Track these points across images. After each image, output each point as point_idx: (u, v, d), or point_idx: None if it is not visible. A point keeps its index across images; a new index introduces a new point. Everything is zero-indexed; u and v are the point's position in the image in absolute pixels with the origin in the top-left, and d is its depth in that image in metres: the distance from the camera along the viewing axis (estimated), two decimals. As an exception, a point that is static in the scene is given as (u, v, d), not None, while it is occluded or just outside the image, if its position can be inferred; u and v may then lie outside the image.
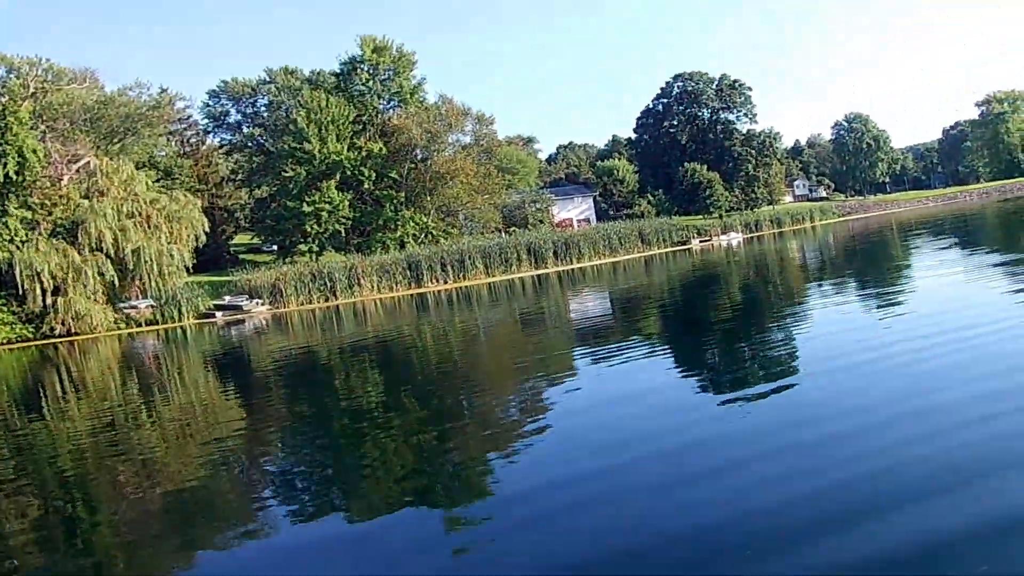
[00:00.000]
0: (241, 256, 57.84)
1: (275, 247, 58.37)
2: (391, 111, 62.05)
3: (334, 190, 52.88)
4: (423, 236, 55.47)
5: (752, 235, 68.01)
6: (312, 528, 6.29)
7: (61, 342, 35.53)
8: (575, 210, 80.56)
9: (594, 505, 5.88)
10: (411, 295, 43.49)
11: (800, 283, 23.35)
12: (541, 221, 64.55)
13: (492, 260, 49.66)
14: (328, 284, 44.52)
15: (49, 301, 36.64)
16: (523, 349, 17.10)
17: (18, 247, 37.09)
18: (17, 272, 35.96)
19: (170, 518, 7.16)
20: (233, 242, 61.37)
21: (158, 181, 50.88)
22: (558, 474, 6.78)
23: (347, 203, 52.95)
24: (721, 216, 73.16)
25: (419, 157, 58.87)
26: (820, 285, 21.69)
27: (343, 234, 53.36)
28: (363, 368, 17.11)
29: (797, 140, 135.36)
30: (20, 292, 36.29)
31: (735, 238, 66.25)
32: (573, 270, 48.91)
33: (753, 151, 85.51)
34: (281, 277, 44.08)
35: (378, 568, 5.21)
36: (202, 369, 21.40)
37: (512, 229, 58.79)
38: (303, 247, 52.12)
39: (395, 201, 55.44)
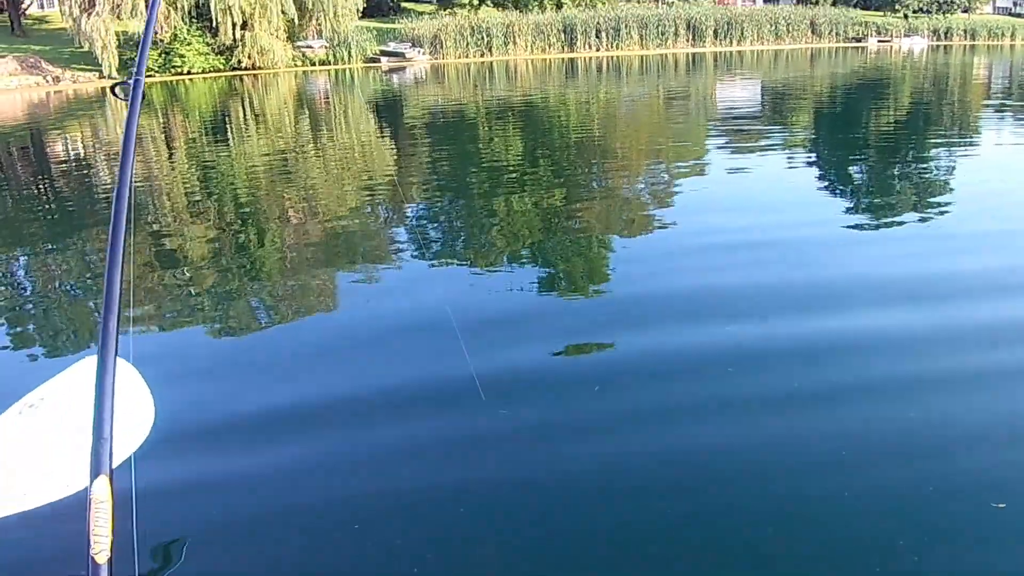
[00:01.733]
0: (403, 4, 57.01)
1: (433, -2, 57.14)
2: None
3: (499, -58, 50.57)
4: (581, -1, 52.88)
5: (939, 43, 58.23)
6: (437, 270, 6.80)
7: (246, 74, 36.96)
8: None
9: (695, 291, 6.00)
10: (563, 59, 42.34)
11: (979, 107, 19.81)
12: (701, -6, 59.85)
13: (648, 32, 47.11)
14: (485, 39, 43.62)
15: (238, 35, 37.77)
16: (661, 131, 16.75)
17: (211, -20, 37.88)
18: (212, 5, 36.96)
19: (321, 247, 7.84)
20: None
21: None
22: (659, 265, 6.94)
23: (513, -42, 50.68)
24: (907, 16, 62.27)
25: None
26: (1002, 113, 18.46)
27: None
28: (506, 128, 17.26)
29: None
30: (213, 25, 37.46)
31: (919, 43, 56.88)
32: (731, 53, 45.72)
33: (957, -55, 72.22)
34: (443, 28, 43.52)
35: (488, 307, 5.64)
36: (364, 111, 22.09)
37: (670, 1, 55.03)
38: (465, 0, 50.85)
39: (559, -40, 52.56)
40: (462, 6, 48.95)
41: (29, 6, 53.65)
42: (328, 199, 10.25)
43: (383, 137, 17.02)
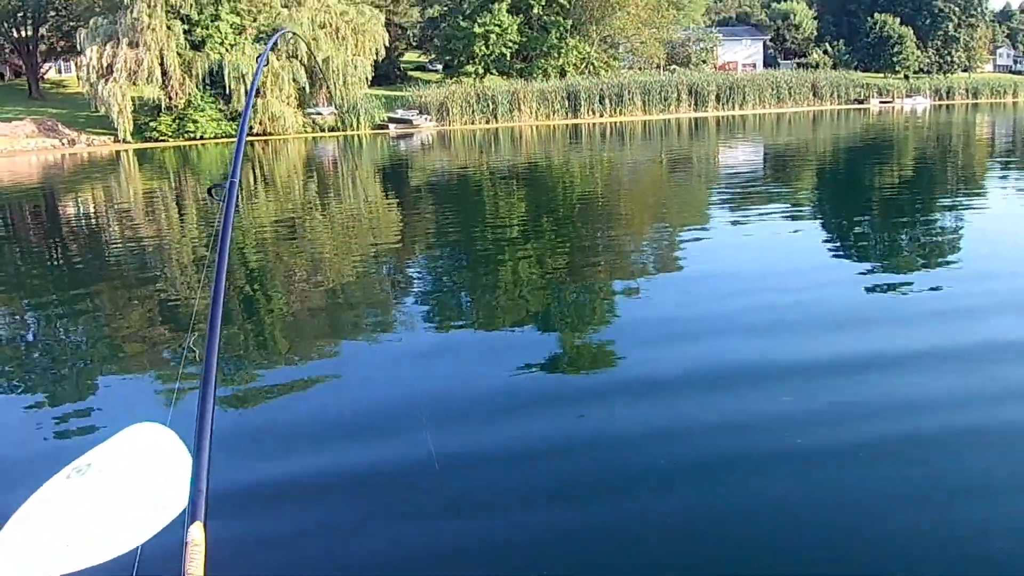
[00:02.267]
0: (410, 73, 58.29)
1: (440, 67, 58.29)
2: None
3: (504, 13, 51.75)
4: (584, 67, 53.81)
5: (941, 103, 58.67)
6: (441, 334, 6.83)
7: (257, 140, 37.64)
8: (742, 53, 74.80)
9: (702, 337, 6.03)
10: (566, 124, 43.08)
11: (984, 166, 19.91)
12: (704, 61, 60.75)
13: (651, 97, 47.98)
14: (490, 106, 44.47)
15: (252, 103, 38.55)
16: (665, 194, 16.97)
17: (227, 50, 38.84)
18: (225, 73, 37.86)
19: (326, 308, 7.91)
20: (403, 59, 61.66)
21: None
22: (669, 313, 7.00)
23: (515, 27, 51.87)
24: (907, 77, 63.07)
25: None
26: (1007, 170, 18.63)
27: (507, 58, 52.55)
28: (511, 190, 17.48)
29: (1008, 2, 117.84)
30: (227, 92, 38.34)
31: (921, 103, 57.43)
32: (734, 117, 46.47)
33: (957, 8, 71.32)
34: (449, 96, 44.42)
35: (493, 371, 5.65)
36: (372, 176, 22.41)
37: (673, 67, 56.05)
38: (469, 68, 51.84)
39: (560, 28, 53.61)
40: (468, 75, 50.04)
41: (48, 71, 55.00)
42: (333, 264, 10.35)
43: (390, 202, 17.26)
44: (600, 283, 8.42)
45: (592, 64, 53.85)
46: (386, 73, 49.52)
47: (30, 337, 7.36)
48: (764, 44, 76.89)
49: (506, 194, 17.06)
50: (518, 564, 3.34)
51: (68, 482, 1.62)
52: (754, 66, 69.79)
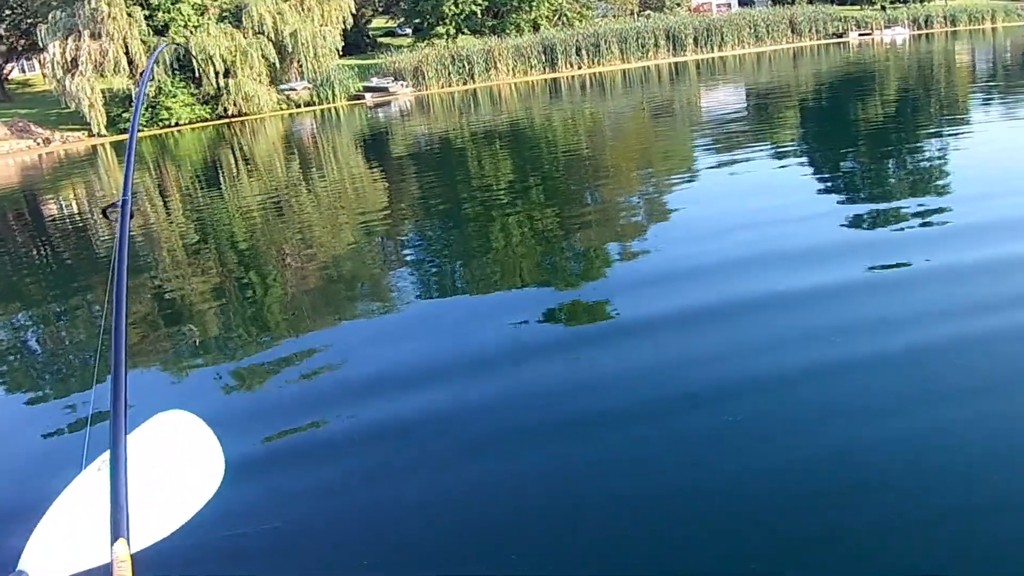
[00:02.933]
0: (379, 40, 57.65)
1: (410, 30, 57.67)
2: None
3: (471, -32, 51.15)
4: (557, 19, 53.28)
5: (920, 32, 58.10)
6: (436, 298, 6.98)
7: (233, 122, 37.37)
8: None
9: (691, 287, 6.18)
10: (545, 80, 42.79)
11: (966, 95, 19.56)
12: (678, 4, 60.08)
13: (628, 45, 47.54)
14: (466, 67, 44.07)
15: (222, 83, 38.24)
16: (649, 142, 17.03)
17: (191, 32, 38.40)
18: (193, 55, 37.45)
19: (319, 284, 8.04)
20: (371, 26, 60.97)
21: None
22: (659, 259, 7.15)
23: (483, -18, 51.31)
24: (884, 8, 61.76)
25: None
26: (988, 99, 18.26)
27: (478, 16, 51.98)
28: (495, 152, 17.52)
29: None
30: (196, 75, 37.99)
31: (900, 34, 56.81)
32: (714, 59, 46.09)
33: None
34: (423, 60, 43.98)
35: (490, 336, 5.78)
36: (353, 149, 22.36)
37: (647, 13, 55.51)
38: (440, 29, 51.22)
39: (529, -21, 53.06)
40: (439, 37, 49.55)
41: (11, 71, 54.27)
42: (323, 239, 10.45)
43: (373, 171, 17.28)
44: (590, 235, 8.55)
45: (565, 15, 53.30)
46: (355, 42, 48.97)
47: (32, 337, 7.49)
48: (738, -18, 75.94)
49: (490, 155, 17.10)
50: (532, 500, 3.52)
51: (99, 474, 1.67)
52: (729, 6, 68.87)
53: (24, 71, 57.77)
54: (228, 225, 12.25)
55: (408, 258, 8.79)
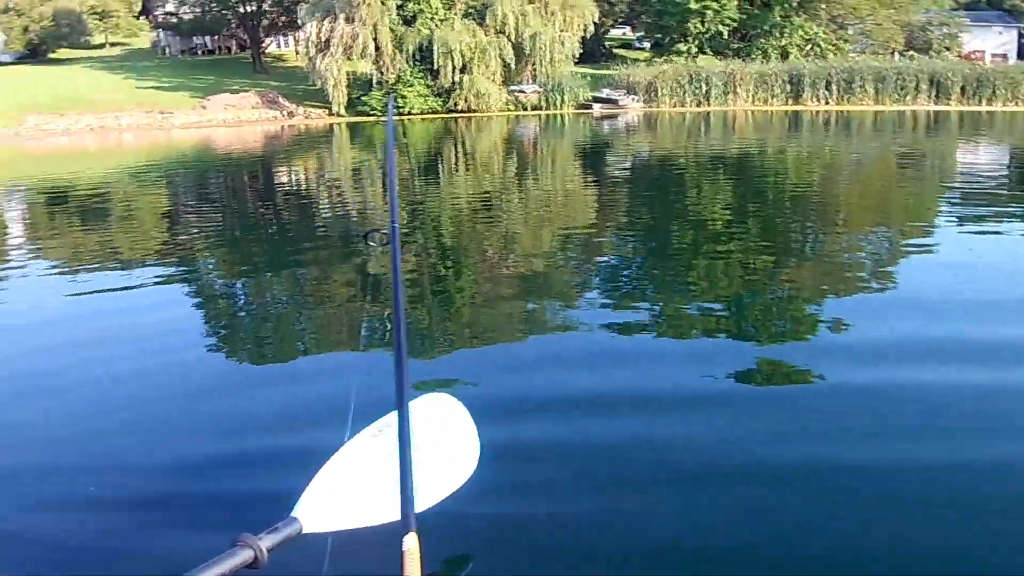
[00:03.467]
0: (615, 51, 57.98)
1: (647, 44, 57.50)
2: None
3: (724, -12, 50.22)
4: (809, 49, 51.18)
5: None
6: (623, 326, 6.81)
7: (461, 117, 39.04)
8: (991, 41, 67.31)
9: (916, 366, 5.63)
10: (786, 111, 41.22)
11: None
12: (947, 48, 55.74)
13: (885, 86, 44.58)
14: (703, 88, 43.23)
15: (457, 78, 40.08)
16: (890, 194, 15.88)
17: (437, 25, 40.51)
18: (435, 49, 39.51)
19: (514, 288, 8.13)
20: (608, 36, 61.39)
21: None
22: (872, 337, 6.55)
23: (735, 3, 50.17)
24: None
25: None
26: None
27: (724, 37, 50.97)
28: (716, 181, 17.05)
29: None
30: (435, 68, 40.03)
31: None
32: (980, 113, 42.30)
33: None
34: (659, 76, 43.74)
35: (667, 378, 5.57)
36: (571, 158, 22.63)
37: (911, 54, 52.07)
38: (681, 47, 50.68)
39: (785, 5, 51.19)
40: (679, 54, 49.09)
41: (268, 45, 59.79)
42: (524, 244, 10.60)
43: (587, 183, 17.37)
44: (801, 288, 8.06)
45: (818, 46, 51.06)
46: (591, 50, 49.51)
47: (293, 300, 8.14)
48: (1019, 32, 69.27)
49: (711, 183, 16.69)
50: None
51: (373, 440, 1.83)
52: (1005, 57, 62.92)
53: (280, 46, 63.47)
54: (437, 215, 12.74)
55: (601, 278, 8.70)
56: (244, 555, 1.42)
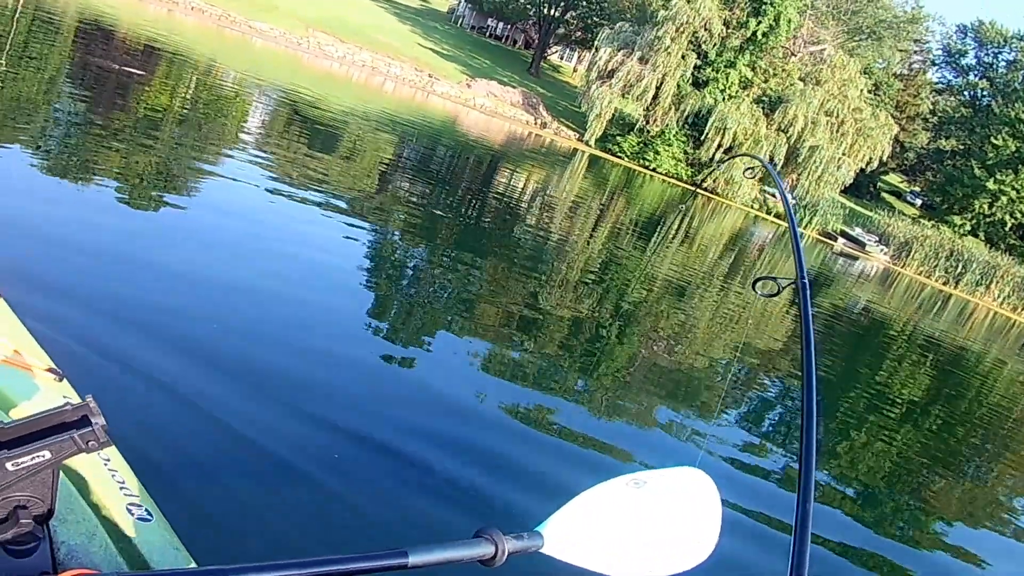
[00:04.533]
0: (883, 194, 56.41)
1: (919, 201, 55.58)
2: None
3: (1031, 179, 47.79)
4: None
5: None
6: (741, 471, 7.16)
7: (701, 194, 39.41)
8: None
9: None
10: (1033, 326, 38.71)
11: None
12: None
13: None
14: (957, 269, 41.46)
15: (717, 157, 40.48)
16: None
17: (724, 99, 41.16)
18: (710, 120, 40.17)
19: (666, 378, 8.53)
20: (883, 177, 59.87)
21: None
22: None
23: (1034, 197, 47.69)
24: None
25: None
26: None
27: (1007, 226, 48.54)
28: (919, 364, 16.65)
29: None
30: (700, 138, 40.74)
31: None
32: None
33: None
34: (918, 238, 42.34)
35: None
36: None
37: None
38: (956, 219, 48.72)
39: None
40: (951, 225, 47.28)
41: (553, 53, 62.67)
42: (694, 343, 10.97)
43: (787, 315, 17.51)
44: (930, 511, 7.94)
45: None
46: (859, 183, 48.72)
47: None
48: None
49: (911, 368, 16.23)
50: None
51: (626, 489, 1.81)
52: None
53: (562, 58, 66.20)
54: (625, 282, 13.44)
55: (739, 415, 8.95)
56: (484, 549, 1.45)
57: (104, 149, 9.20)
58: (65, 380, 1.97)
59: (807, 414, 1.80)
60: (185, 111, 13.66)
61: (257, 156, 11.94)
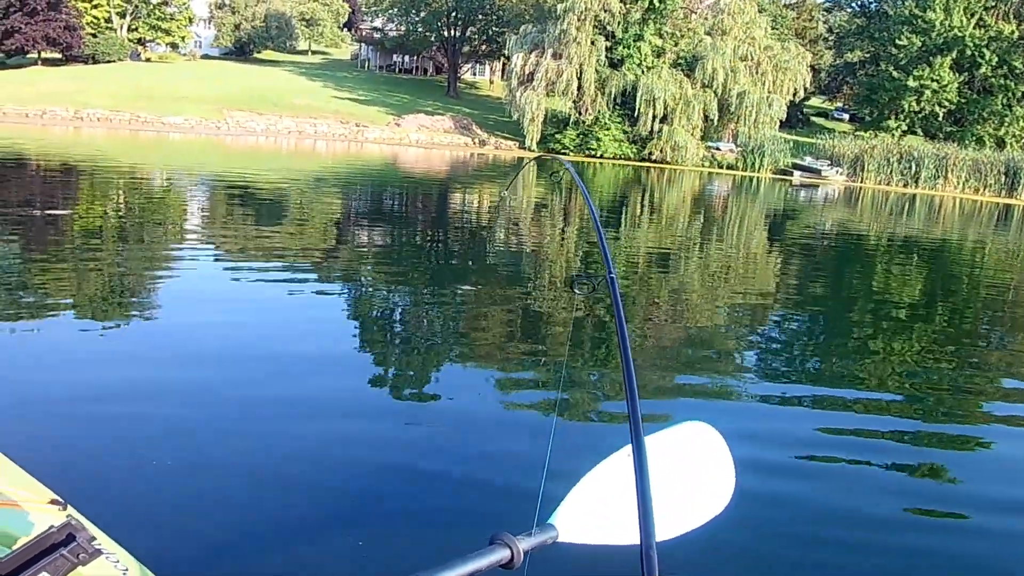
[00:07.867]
0: (812, 119, 56.79)
1: (847, 116, 55.94)
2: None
3: (947, 68, 48.18)
4: (1029, 140, 48.27)
5: None
6: (782, 395, 7.07)
7: (653, 167, 39.58)
8: None
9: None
10: (996, 203, 39.01)
11: None
12: None
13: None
14: (912, 169, 41.91)
15: (656, 127, 40.68)
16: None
17: (643, 72, 41.35)
18: (638, 95, 40.31)
19: (676, 349, 8.55)
20: (806, 103, 60.33)
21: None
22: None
23: (955, 86, 48.06)
24: None
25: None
26: None
27: (938, 119, 48.89)
28: (907, 267, 16.68)
29: None
30: (635, 114, 40.82)
31: None
32: None
33: None
34: (867, 151, 42.63)
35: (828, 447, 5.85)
36: (760, 223, 22.61)
37: None
38: (891, 123, 49.06)
39: (1009, 93, 48.55)
40: (886, 130, 47.59)
41: (464, 72, 62.71)
42: (692, 303, 10.99)
43: (770, 252, 17.41)
44: (969, 394, 7.97)
45: (1041, 139, 48.21)
46: (788, 115, 49.03)
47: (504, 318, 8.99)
48: None
49: (900, 268, 16.36)
50: None
51: (631, 457, 1.76)
52: None
53: (475, 74, 66.34)
54: (621, 261, 13.22)
55: (765, 347, 8.93)
56: (501, 554, 1.48)
57: (53, 283, 8.76)
58: (70, 507, 1.92)
59: (631, 404, 1.76)
60: (123, 224, 13.26)
61: (209, 246, 11.88)
